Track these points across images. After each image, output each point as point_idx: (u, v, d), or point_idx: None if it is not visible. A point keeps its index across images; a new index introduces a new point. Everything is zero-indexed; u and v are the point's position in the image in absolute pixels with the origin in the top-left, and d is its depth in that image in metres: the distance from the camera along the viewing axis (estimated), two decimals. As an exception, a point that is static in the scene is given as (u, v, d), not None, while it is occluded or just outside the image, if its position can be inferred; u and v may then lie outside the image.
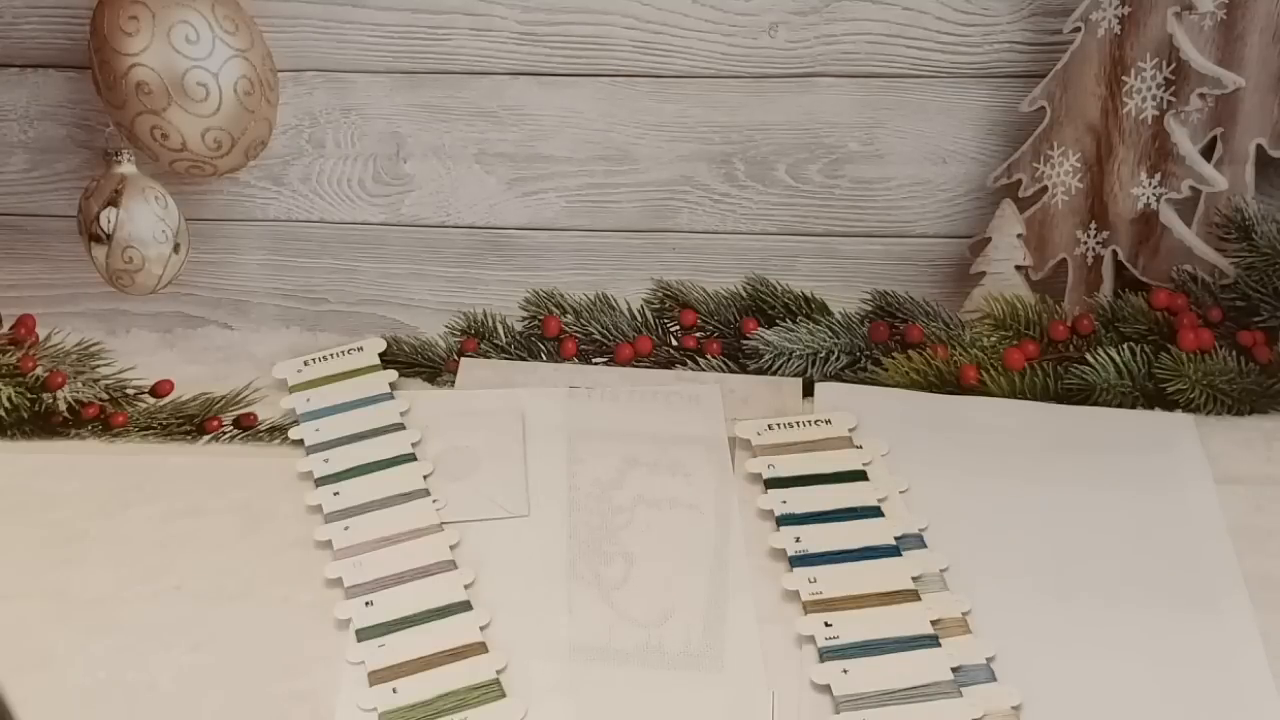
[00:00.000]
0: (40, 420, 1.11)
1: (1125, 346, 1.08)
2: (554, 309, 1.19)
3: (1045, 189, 1.14)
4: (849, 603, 0.90)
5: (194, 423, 1.11)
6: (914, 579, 0.92)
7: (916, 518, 0.97)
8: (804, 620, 0.90)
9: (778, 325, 1.15)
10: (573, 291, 1.21)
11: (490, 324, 1.19)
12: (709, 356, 1.15)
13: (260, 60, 1.11)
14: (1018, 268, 1.15)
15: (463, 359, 1.17)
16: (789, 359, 1.12)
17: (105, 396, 1.14)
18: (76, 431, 1.11)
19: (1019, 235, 1.14)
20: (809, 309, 1.17)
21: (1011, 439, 1.05)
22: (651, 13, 1.14)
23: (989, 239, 1.15)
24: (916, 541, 0.95)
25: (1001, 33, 1.13)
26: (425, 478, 1.03)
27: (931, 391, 1.10)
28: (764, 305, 1.17)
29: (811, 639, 0.88)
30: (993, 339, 1.11)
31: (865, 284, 1.19)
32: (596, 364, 1.17)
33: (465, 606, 0.92)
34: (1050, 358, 1.10)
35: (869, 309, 1.17)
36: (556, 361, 1.16)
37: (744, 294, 1.18)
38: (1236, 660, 0.86)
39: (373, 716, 0.84)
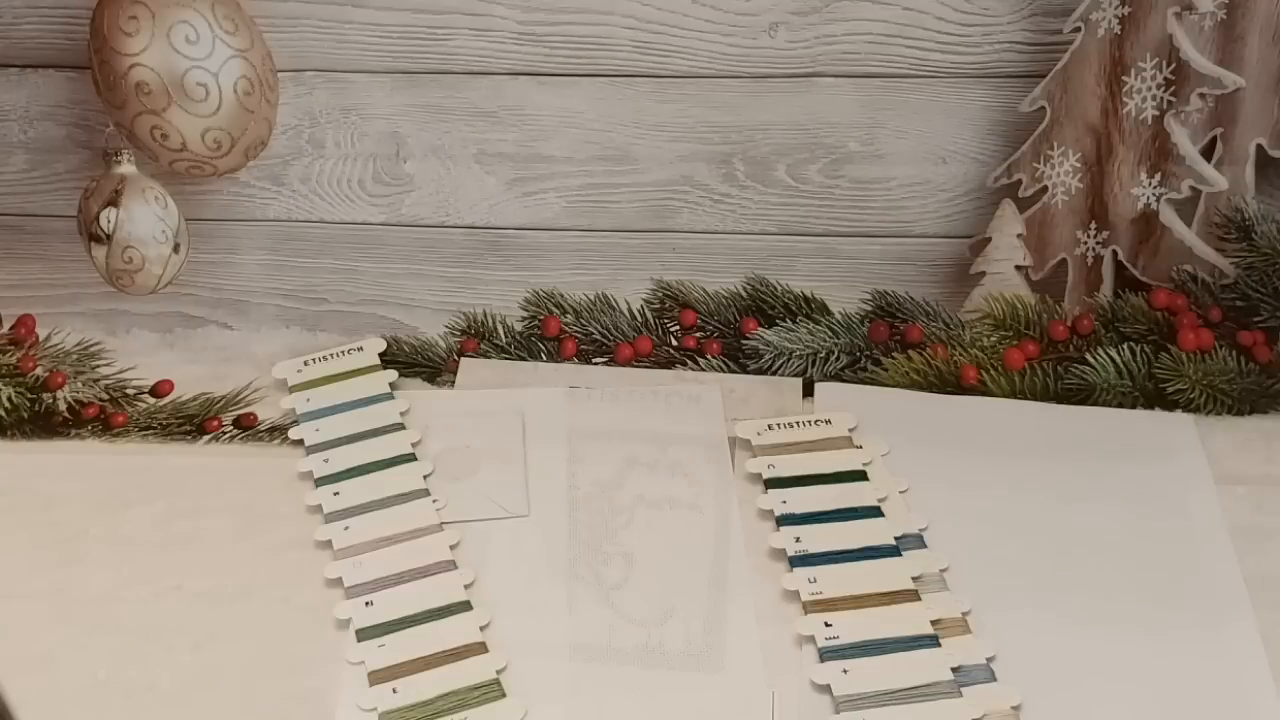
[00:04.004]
0: (40, 420, 1.11)
1: (1125, 346, 1.08)
2: (554, 309, 1.19)
3: (1045, 189, 1.14)
4: (849, 603, 0.90)
5: (194, 423, 1.11)
6: (914, 579, 0.92)
7: (916, 518, 0.97)
8: (804, 620, 0.90)
9: (778, 325, 1.15)
10: (573, 291, 1.21)
11: (490, 324, 1.19)
12: (709, 356, 1.15)
13: (260, 60, 1.11)
14: (1018, 268, 1.15)
15: (463, 359, 1.17)
16: (789, 359, 1.12)
17: (105, 396, 1.13)
18: (76, 431, 1.11)
19: (1019, 235, 1.14)
20: (809, 309, 1.17)
21: (1011, 439, 1.05)
22: (651, 13, 1.14)
23: (989, 239, 1.15)
24: (916, 541, 0.95)
25: (1001, 33, 1.13)
26: (425, 478, 1.03)
27: (931, 391, 1.10)
28: (764, 305, 1.17)
29: (811, 639, 0.88)
30: (993, 339, 1.11)
31: (865, 284, 1.19)
32: (596, 364, 1.17)
33: (465, 606, 0.92)
34: (1050, 358, 1.10)
35: (869, 309, 1.17)
36: (556, 361, 1.16)
37: (744, 294, 1.18)
38: (1236, 661, 0.86)
39: (373, 716, 0.84)
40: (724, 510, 1.00)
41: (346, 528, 0.99)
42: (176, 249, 1.14)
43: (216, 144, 1.10)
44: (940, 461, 1.03)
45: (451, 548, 0.97)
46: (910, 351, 1.12)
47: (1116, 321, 1.11)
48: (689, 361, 1.16)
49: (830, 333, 1.13)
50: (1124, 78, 1.09)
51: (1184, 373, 1.06)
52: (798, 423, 1.06)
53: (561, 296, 1.20)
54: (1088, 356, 1.08)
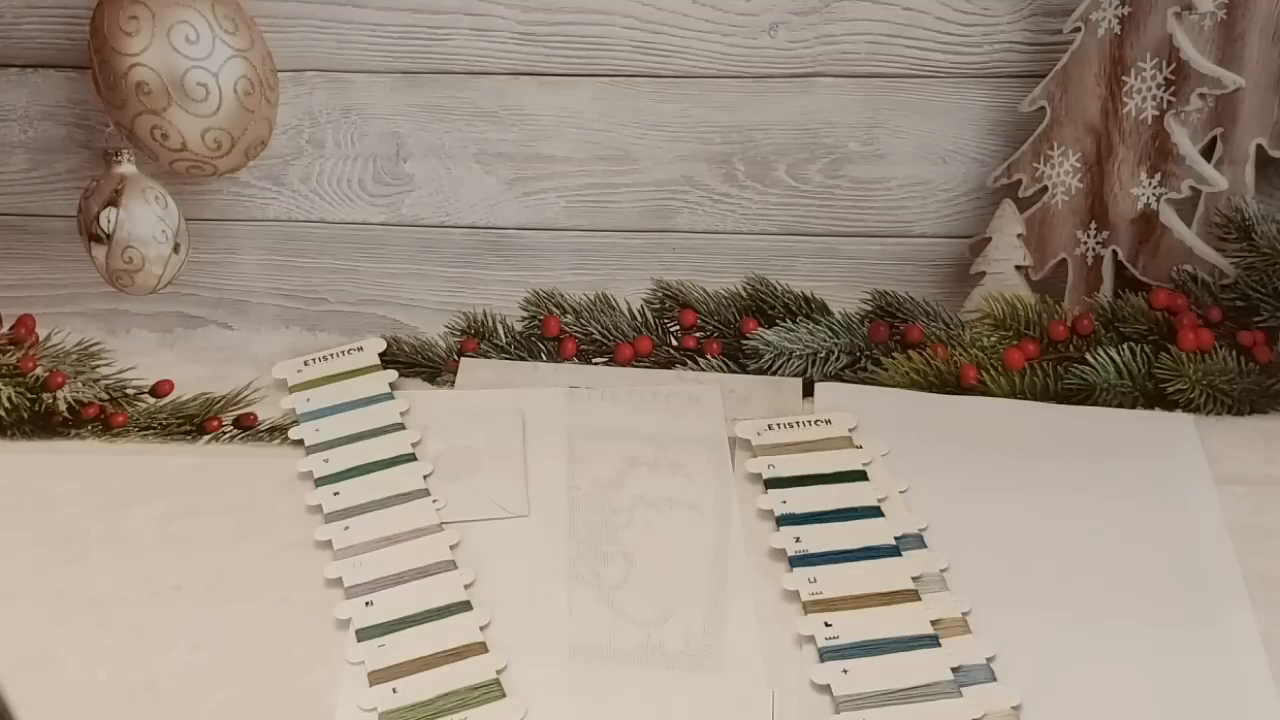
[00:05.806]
0: (40, 420, 1.11)
1: (1125, 346, 1.08)
2: (554, 309, 1.19)
3: (1045, 189, 1.14)
4: (849, 603, 0.90)
5: (194, 423, 1.11)
6: (914, 579, 0.92)
7: (916, 518, 0.97)
8: (804, 620, 0.90)
9: (778, 325, 1.15)
10: (573, 291, 1.21)
11: (490, 324, 1.19)
12: (709, 356, 1.15)
13: (260, 60, 1.11)
14: (1018, 268, 1.15)
15: (463, 359, 1.17)
16: (789, 359, 1.12)
17: (105, 396, 1.14)
18: (76, 431, 1.11)
19: (1019, 235, 1.14)
20: (809, 309, 1.17)
21: (1011, 439, 1.05)
22: (651, 13, 1.14)
23: (989, 239, 1.15)
24: (916, 541, 0.96)
25: (1001, 33, 1.13)
26: (425, 478, 1.03)
27: (931, 391, 1.10)
28: (764, 305, 1.17)
29: (811, 639, 0.88)
30: (993, 339, 1.11)
31: (865, 284, 1.19)
32: (596, 364, 1.17)
33: (465, 606, 0.92)
34: (1050, 358, 1.10)
35: (869, 309, 1.17)
36: (556, 361, 1.16)
37: (744, 294, 1.18)
38: (1236, 661, 0.86)
39: (373, 716, 0.85)
40: (724, 510, 1.00)
41: (346, 528, 0.99)
42: (176, 249, 1.14)
43: (216, 144, 1.10)
44: (940, 461, 1.03)
45: (451, 548, 0.97)
46: (910, 351, 1.12)
47: (1116, 321, 1.11)
48: (689, 361, 1.16)
49: (830, 333, 1.13)
50: (1124, 78, 1.09)
51: (1184, 373, 1.06)
52: (798, 423, 1.06)
53: (561, 296, 1.20)
54: (1088, 356, 1.08)
